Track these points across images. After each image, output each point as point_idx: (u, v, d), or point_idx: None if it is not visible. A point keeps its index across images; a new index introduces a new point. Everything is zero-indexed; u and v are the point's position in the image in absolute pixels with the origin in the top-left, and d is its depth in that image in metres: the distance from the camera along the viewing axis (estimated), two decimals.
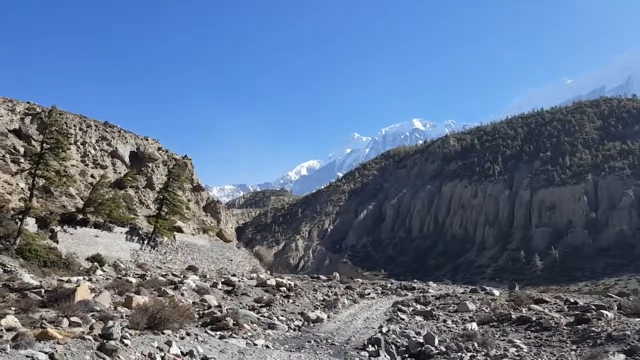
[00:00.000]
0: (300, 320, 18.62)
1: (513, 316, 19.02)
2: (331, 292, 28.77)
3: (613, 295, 29.08)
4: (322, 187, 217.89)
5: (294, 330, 16.89)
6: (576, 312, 18.66)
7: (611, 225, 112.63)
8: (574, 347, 14.19)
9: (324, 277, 40.20)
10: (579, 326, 16.28)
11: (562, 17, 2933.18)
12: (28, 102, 42.09)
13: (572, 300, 23.08)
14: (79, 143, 42.88)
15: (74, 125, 43.22)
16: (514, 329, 17.41)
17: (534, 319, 18.18)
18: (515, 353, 13.57)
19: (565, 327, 16.52)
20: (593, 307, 19.34)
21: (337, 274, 43.02)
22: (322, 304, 23.34)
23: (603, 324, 16.16)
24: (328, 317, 19.91)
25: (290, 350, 13.29)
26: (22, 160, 35.07)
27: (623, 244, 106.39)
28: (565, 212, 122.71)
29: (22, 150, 36.62)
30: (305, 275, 48.98)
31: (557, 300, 23.95)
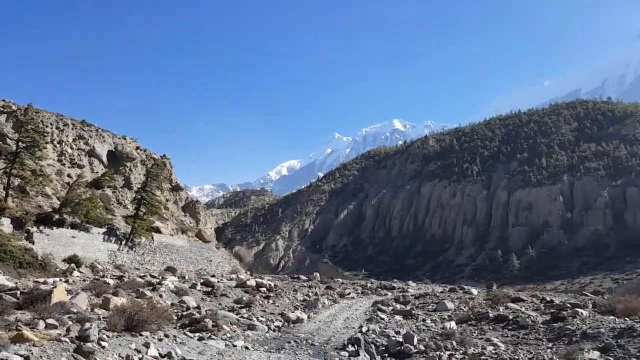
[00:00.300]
0: (280, 320, 18.59)
1: (491, 315, 19.26)
2: (311, 292, 28.78)
3: (588, 294, 29.68)
4: (303, 187, 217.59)
5: (274, 331, 16.85)
6: (552, 311, 18.99)
7: (586, 225, 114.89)
8: (550, 344, 14.44)
9: (305, 278, 40.18)
10: (555, 324, 16.57)
11: (539, 20, 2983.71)
12: (3, 100, 41.12)
13: (548, 298, 23.49)
14: (55, 142, 42.07)
15: (51, 124, 42.38)
16: (491, 328, 17.63)
17: (511, 317, 18.44)
18: (493, 351, 13.74)
19: (541, 325, 16.79)
20: (569, 305, 19.72)
21: (318, 274, 43.04)
22: (302, 305, 23.32)
23: (578, 322, 16.48)
24: (308, 317, 19.91)
25: (270, 351, 13.25)
26: None
27: (598, 243, 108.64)
28: (541, 212, 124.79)
29: None
30: (286, 276, 48.88)
31: (534, 298, 24.34)
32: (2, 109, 40.03)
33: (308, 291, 28.98)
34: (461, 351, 13.77)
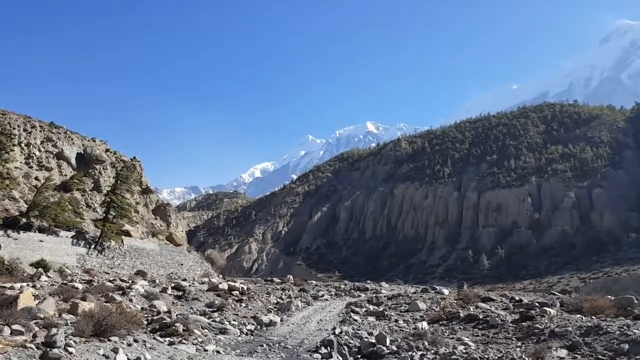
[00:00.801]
0: (253, 324, 18.48)
1: (461, 314, 19.55)
2: (285, 294, 28.71)
3: (556, 293, 30.45)
4: (276, 189, 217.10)
5: (246, 334, 16.74)
6: (521, 310, 19.39)
7: (554, 225, 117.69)
8: (519, 343, 14.73)
9: (278, 280, 40.10)
10: (523, 323, 16.91)
11: (508, 22, 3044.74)
12: None
13: (517, 298, 23.97)
14: (22, 144, 40.96)
15: (18, 126, 41.28)
16: (462, 327, 17.89)
17: (481, 316, 18.75)
18: (464, 350, 13.94)
19: (510, 325, 17.12)
20: (537, 304, 20.16)
21: (291, 277, 43.02)
22: (275, 307, 23.26)
23: (546, 320, 16.85)
24: (281, 320, 19.85)
25: (242, 355, 13.17)
26: None
27: (565, 243, 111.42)
28: (510, 213, 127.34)
29: None
30: (259, 279, 48.68)
31: (503, 298, 24.81)
32: None
33: (281, 294, 28.91)
34: (433, 351, 13.93)
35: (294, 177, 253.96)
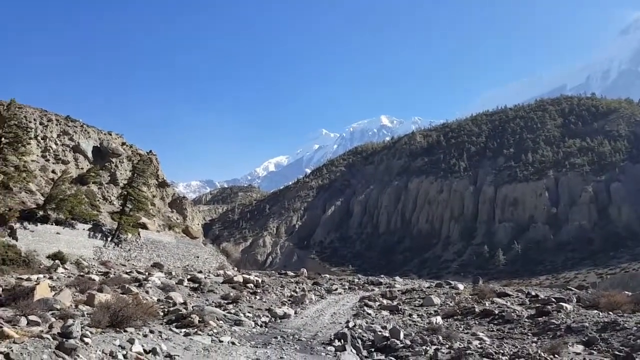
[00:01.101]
0: (267, 316, 18.55)
1: (477, 309, 19.41)
2: (299, 288, 28.78)
3: (572, 289, 30.13)
4: (290, 183, 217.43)
5: (261, 326, 16.81)
6: (537, 305, 19.19)
7: (571, 220, 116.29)
8: (535, 338, 14.58)
9: (292, 274, 40.22)
10: (539, 318, 16.74)
11: (525, 15, 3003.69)
12: None
13: (533, 293, 23.78)
14: (39, 138, 41.50)
15: (34, 120, 41.81)
16: (477, 322, 17.76)
17: (496, 312, 18.60)
18: (478, 345, 13.83)
19: (526, 320, 16.95)
20: (553, 300, 19.97)
21: (305, 270, 43.09)
22: (289, 300, 23.31)
23: (563, 316, 16.67)
24: (295, 313, 19.89)
25: (256, 347, 13.21)
26: None
27: (582, 238, 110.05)
28: (527, 207, 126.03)
29: None
30: (273, 272, 48.87)
31: (519, 293, 24.59)
32: None
33: (295, 287, 28.98)
34: (447, 345, 13.84)
35: (308, 171, 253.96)
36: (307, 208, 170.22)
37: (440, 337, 14.64)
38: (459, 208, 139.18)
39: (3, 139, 28.20)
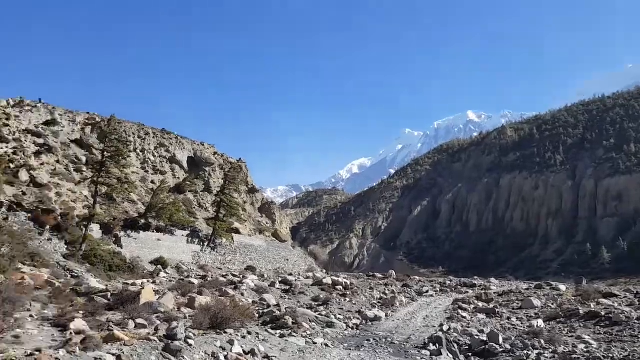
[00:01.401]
0: (358, 318, 18.58)
1: (581, 311, 18.23)
2: (388, 290, 28.55)
3: None
4: (374, 184, 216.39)
5: (352, 328, 16.86)
6: None
7: None
8: None
9: (380, 275, 39.97)
10: None
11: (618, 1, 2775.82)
12: (87, 113, 44.11)
13: None
14: (138, 150, 44.58)
15: (133, 133, 44.98)
16: (582, 325, 16.67)
17: (603, 313, 17.37)
18: (585, 349, 12.97)
19: (636, 321, 15.70)
20: None
21: (393, 272, 42.67)
22: (379, 302, 23.18)
23: None
24: (386, 315, 19.75)
25: (350, 349, 13.26)
26: (84, 169, 36.82)
27: None
28: (632, 201, 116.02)
29: (84, 159, 38.41)
30: (361, 274, 48.86)
31: (627, 293, 22.83)
32: (87, 121, 42.96)
33: (384, 289, 28.77)
34: (550, 350, 13.10)
35: (392, 171, 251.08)
36: (392, 209, 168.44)
37: (543, 341, 13.90)
38: (557, 204, 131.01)
39: (105, 153, 30.39)
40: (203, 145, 52.37)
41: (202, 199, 47.31)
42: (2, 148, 34.53)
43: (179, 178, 46.97)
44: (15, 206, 28.51)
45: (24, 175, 32.32)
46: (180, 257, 34.82)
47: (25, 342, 9.27)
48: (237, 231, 42.43)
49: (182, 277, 27.06)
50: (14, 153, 34.73)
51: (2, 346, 8.40)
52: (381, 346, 13.99)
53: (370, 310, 20.27)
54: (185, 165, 48.52)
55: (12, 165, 32.93)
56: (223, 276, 28.45)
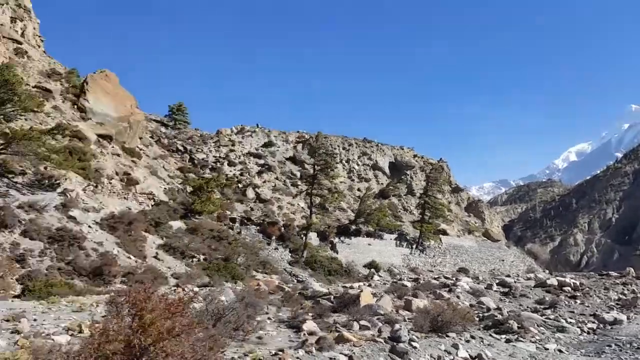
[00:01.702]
0: (594, 322, 16.67)
1: None
2: (627, 290, 24.92)
3: None
4: (598, 171, 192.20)
5: (588, 333, 15.22)
6: None
7: None
8: None
9: (615, 274, 35.10)
10: None
11: None
12: (298, 132, 48.43)
13: None
14: (343, 161, 47.27)
15: (338, 146, 47.91)
16: None
17: None
18: None
19: None
20: None
21: (632, 270, 37.14)
22: (617, 304, 20.40)
23: None
24: (628, 318, 17.31)
25: (589, 355, 11.95)
26: (299, 183, 40.58)
27: None
28: None
29: (298, 174, 42.34)
30: (591, 273, 43.66)
31: None
32: (298, 140, 47.17)
33: (622, 289, 25.18)
34: None
35: (619, 155, 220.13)
36: (623, 197, 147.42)
37: None
38: None
39: (316, 166, 33.00)
40: (402, 149, 53.10)
41: (406, 202, 47.88)
42: (231, 171, 40.07)
43: (382, 184, 48.39)
44: (246, 221, 32.70)
45: (250, 193, 36.96)
46: (391, 260, 35.69)
47: (267, 342, 10.38)
48: (444, 232, 41.82)
49: (394, 280, 27.63)
50: (241, 174, 40.04)
51: (249, 347, 9.54)
52: (626, 352, 12.28)
53: (608, 312, 17.97)
54: (387, 170, 49.80)
55: (240, 185, 37.99)
56: (435, 278, 28.21)
